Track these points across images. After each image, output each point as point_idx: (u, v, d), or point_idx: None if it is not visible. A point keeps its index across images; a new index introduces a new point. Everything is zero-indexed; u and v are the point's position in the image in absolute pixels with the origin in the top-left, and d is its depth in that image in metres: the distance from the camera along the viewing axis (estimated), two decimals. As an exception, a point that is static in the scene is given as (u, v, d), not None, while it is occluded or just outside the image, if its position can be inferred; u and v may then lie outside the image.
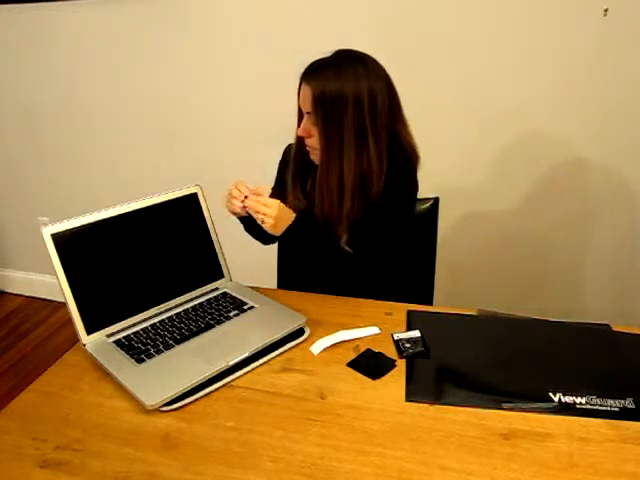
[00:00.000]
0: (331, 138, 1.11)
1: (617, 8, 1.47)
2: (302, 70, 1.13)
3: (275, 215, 1.10)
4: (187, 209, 1.19)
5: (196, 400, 0.91)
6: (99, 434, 0.85)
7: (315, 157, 1.18)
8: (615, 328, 1.06)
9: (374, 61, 1.13)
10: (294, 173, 1.26)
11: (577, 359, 0.99)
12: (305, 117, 1.14)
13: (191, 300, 1.16)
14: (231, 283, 1.23)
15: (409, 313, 1.13)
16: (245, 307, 1.13)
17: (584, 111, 1.60)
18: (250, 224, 1.23)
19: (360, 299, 1.18)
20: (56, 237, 1.00)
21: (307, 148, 1.18)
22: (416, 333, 1.06)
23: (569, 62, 1.56)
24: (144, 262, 1.11)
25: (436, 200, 1.40)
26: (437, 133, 1.74)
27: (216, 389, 0.93)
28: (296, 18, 1.73)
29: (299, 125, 1.17)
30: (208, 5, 1.83)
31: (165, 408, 0.89)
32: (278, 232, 1.13)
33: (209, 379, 0.93)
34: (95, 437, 0.84)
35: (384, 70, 1.13)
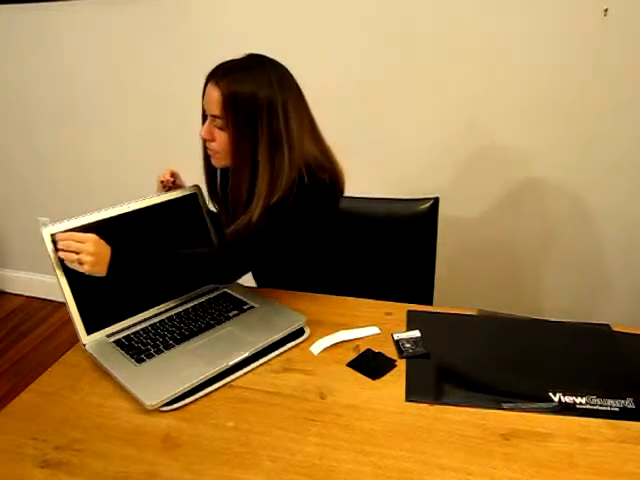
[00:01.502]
0: (243, 142, 1.07)
1: (617, 8, 1.47)
2: (290, 71, 1.10)
3: (93, 251, 0.96)
4: (187, 209, 1.19)
5: (196, 400, 0.91)
6: (99, 434, 0.85)
7: (216, 161, 1.14)
8: (615, 328, 1.06)
9: (286, 69, 1.10)
10: (207, 180, 1.23)
11: (577, 359, 0.99)
12: (209, 120, 1.09)
13: (191, 300, 1.16)
14: (231, 283, 1.23)
15: (409, 313, 1.13)
16: (245, 307, 1.13)
17: (584, 111, 1.60)
18: None
19: (360, 299, 1.18)
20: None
21: (208, 151, 1.14)
22: (416, 333, 1.06)
23: (569, 62, 1.56)
24: (144, 262, 1.11)
25: (436, 200, 1.40)
26: (437, 133, 1.74)
27: (216, 389, 0.93)
28: (296, 18, 1.74)
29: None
30: (208, 5, 1.83)
31: (165, 408, 0.89)
32: (103, 272, 0.98)
33: (209, 379, 0.93)
34: (95, 437, 0.84)
35: (295, 81, 1.11)
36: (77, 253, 0.96)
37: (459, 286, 1.82)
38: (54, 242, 0.98)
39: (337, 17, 1.70)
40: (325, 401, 0.90)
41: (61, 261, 0.99)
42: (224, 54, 1.77)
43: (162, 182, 1.23)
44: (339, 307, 1.15)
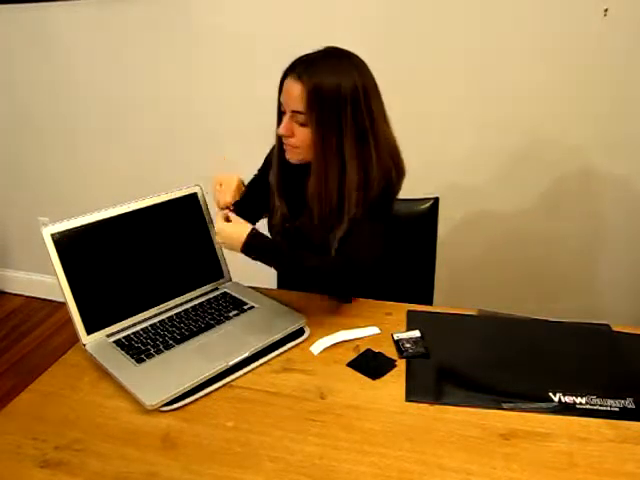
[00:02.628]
0: (328, 138, 1.03)
1: (617, 8, 1.47)
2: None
3: (226, 234, 1.08)
4: (187, 209, 1.19)
5: (196, 400, 0.91)
6: (99, 434, 0.85)
7: (294, 156, 1.11)
8: (615, 328, 1.06)
9: (361, 59, 1.08)
10: (277, 175, 1.20)
11: (577, 359, 0.99)
12: (288, 115, 1.06)
13: (191, 300, 1.16)
14: (231, 283, 1.23)
15: (409, 313, 1.12)
16: (245, 307, 1.13)
17: (584, 111, 1.60)
18: None
19: (360, 299, 1.18)
20: (56, 237, 1.00)
21: (285, 147, 1.11)
22: (416, 333, 1.06)
23: (569, 62, 1.56)
24: (144, 262, 1.11)
25: (436, 200, 1.40)
26: (437, 133, 1.74)
27: (216, 389, 0.93)
28: (296, 18, 1.73)
29: (279, 124, 1.10)
30: (208, 5, 1.83)
31: (165, 408, 0.89)
32: (238, 249, 1.08)
33: (209, 379, 0.93)
34: (95, 437, 0.84)
35: (370, 70, 1.09)
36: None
37: (459, 286, 1.82)
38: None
39: (337, 17, 1.70)
40: (325, 401, 0.90)
41: (61, 261, 0.99)
42: (224, 54, 1.76)
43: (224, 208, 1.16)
44: (339, 307, 1.15)
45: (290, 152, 1.12)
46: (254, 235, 1.07)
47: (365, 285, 1.13)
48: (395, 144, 1.13)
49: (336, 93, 1.01)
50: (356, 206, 1.07)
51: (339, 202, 1.08)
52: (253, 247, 1.07)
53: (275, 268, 1.21)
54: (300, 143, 1.08)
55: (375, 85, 1.08)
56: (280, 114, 1.11)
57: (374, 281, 1.15)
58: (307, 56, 1.06)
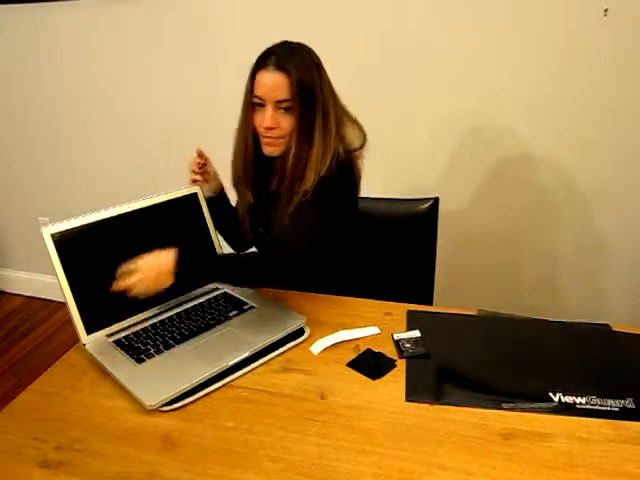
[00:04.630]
0: (309, 123, 1.11)
1: (617, 8, 1.47)
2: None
3: (144, 276, 0.97)
4: (187, 209, 1.19)
5: (196, 400, 0.91)
6: (99, 434, 0.85)
7: (275, 148, 1.14)
8: (615, 328, 1.06)
9: (309, 47, 1.15)
10: (250, 168, 1.21)
11: (577, 359, 0.99)
12: (271, 107, 1.09)
13: (191, 300, 1.16)
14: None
15: (409, 313, 1.12)
16: (245, 307, 1.13)
17: (584, 112, 1.60)
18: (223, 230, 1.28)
19: (360, 299, 1.18)
20: (56, 237, 1.00)
21: (267, 139, 1.13)
22: (416, 333, 1.06)
23: (569, 62, 1.56)
24: (144, 262, 1.11)
25: (436, 200, 1.40)
26: (438, 133, 1.74)
27: (216, 389, 0.93)
28: (297, 18, 1.74)
29: (250, 116, 1.14)
30: (208, 5, 1.83)
31: (165, 408, 0.89)
32: (170, 281, 1.00)
33: (209, 379, 0.93)
34: (95, 437, 0.84)
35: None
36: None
37: (459, 286, 1.82)
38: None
39: (335, 17, 1.70)
40: (325, 401, 0.90)
41: (61, 261, 0.99)
42: (223, 53, 1.76)
43: (195, 170, 1.22)
44: (339, 307, 1.15)
45: (272, 144, 1.14)
46: (181, 251, 1.01)
47: (316, 274, 1.13)
48: (345, 117, 1.18)
49: (312, 80, 1.09)
50: (312, 181, 1.11)
51: (301, 176, 1.12)
52: (185, 262, 1.00)
53: (215, 279, 1.15)
54: (284, 132, 1.12)
55: (324, 69, 1.15)
56: (247, 110, 1.15)
57: (340, 269, 1.20)
58: (274, 47, 1.12)
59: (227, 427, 0.85)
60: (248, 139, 1.17)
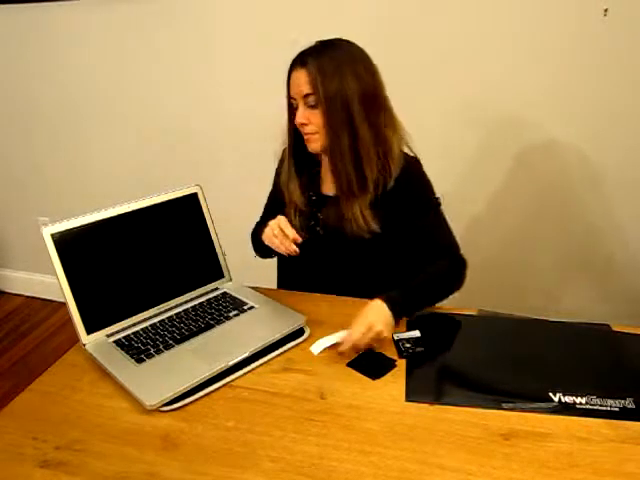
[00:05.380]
0: (334, 109, 1.08)
1: (617, 8, 1.47)
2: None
3: (384, 329, 1.00)
4: (187, 209, 1.19)
5: (196, 400, 0.91)
6: (99, 434, 0.85)
7: (315, 143, 1.14)
8: (615, 328, 1.06)
9: (358, 46, 1.13)
10: (294, 169, 1.22)
11: (577, 359, 0.99)
12: (301, 103, 1.11)
13: (191, 300, 1.16)
14: (231, 283, 1.23)
15: (409, 313, 1.12)
16: (245, 307, 1.13)
17: (584, 112, 1.60)
18: (260, 247, 1.24)
19: (360, 299, 1.17)
20: (56, 237, 1.00)
21: (306, 136, 1.14)
22: (416, 333, 1.06)
23: (569, 62, 1.56)
24: (144, 262, 1.11)
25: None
26: (438, 134, 1.74)
27: (216, 389, 0.93)
28: (297, 18, 1.73)
29: (291, 120, 1.15)
30: (208, 5, 1.83)
31: (165, 408, 0.89)
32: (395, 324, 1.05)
33: (209, 379, 0.93)
34: (95, 437, 0.84)
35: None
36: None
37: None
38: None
39: (338, 16, 1.70)
40: (325, 401, 0.90)
41: (61, 261, 0.99)
42: (224, 54, 1.76)
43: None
44: (339, 307, 1.15)
45: (311, 140, 1.15)
46: (388, 298, 1.05)
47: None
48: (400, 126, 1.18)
49: (336, 67, 1.07)
50: (372, 169, 1.12)
51: (357, 169, 1.12)
52: (399, 305, 1.05)
53: (427, 303, 1.17)
54: (317, 127, 1.11)
55: (373, 63, 1.12)
56: (291, 112, 1.15)
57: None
58: (304, 49, 1.11)
59: (227, 427, 0.85)
60: (294, 139, 1.19)
